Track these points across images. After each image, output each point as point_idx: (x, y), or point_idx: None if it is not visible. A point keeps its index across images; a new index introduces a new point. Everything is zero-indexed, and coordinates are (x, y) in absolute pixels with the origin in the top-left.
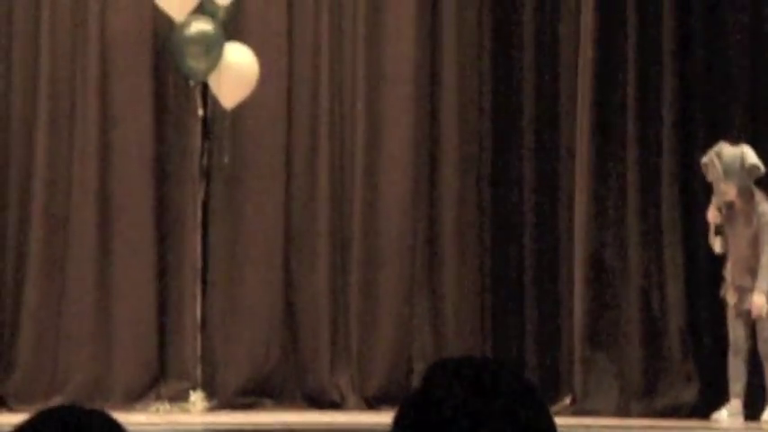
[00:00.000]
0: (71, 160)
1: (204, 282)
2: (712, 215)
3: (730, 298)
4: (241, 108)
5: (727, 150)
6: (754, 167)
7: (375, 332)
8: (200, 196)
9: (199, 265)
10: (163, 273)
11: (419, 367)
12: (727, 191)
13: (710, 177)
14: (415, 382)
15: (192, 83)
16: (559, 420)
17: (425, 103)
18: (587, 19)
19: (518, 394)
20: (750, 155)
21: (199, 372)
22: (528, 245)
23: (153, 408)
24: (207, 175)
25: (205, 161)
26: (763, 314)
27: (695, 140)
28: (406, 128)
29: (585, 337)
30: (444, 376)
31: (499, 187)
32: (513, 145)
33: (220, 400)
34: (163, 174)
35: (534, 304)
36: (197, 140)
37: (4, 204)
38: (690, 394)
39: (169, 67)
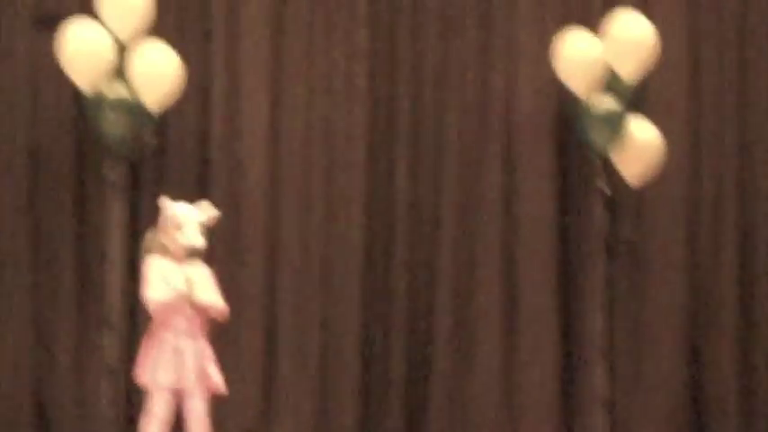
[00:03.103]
0: (476, 237)
1: (607, 356)
2: None
3: None
4: (644, 184)
5: None
6: None
7: None
8: (604, 271)
9: (602, 339)
10: (566, 344)
11: None
12: None
13: None
14: None
15: (595, 159)
16: None
17: None
18: None
19: None
20: None
21: None
22: None
23: None
24: (610, 251)
25: (608, 237)
26: None
27: None
28: None
29: None
30: None
31: None
32: None
33: None
34: (566, 248)
35: None
36: (600, 216)
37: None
38: None
39: (574, 142)
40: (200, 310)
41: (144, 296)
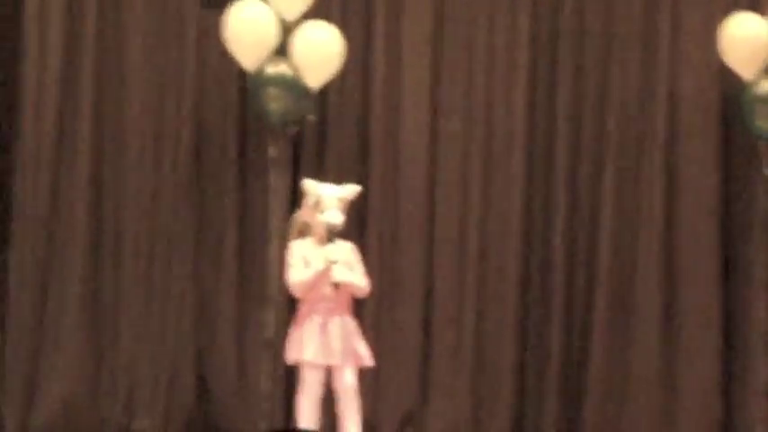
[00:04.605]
0: (636, 221)
1: None
2: None
3: None
4: None
5: None
6: None
7: None
8: (767, 258)
9: (764, 327)
10: (727, 331)
11: None
12: None
13: None
14: None
15: (759, 142)
16: None
17: None
18: None
19: None
20: None
21: None
22: None
23: None
24: None
25: None
26: None
27: None
28: None
29: None
30: None
31: None
32: None
33: None
34: (729, 234)
35: None
36: (764, 201)
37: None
38: None
39: (738, 126)
40: (341, 288)
41: (287, 279)
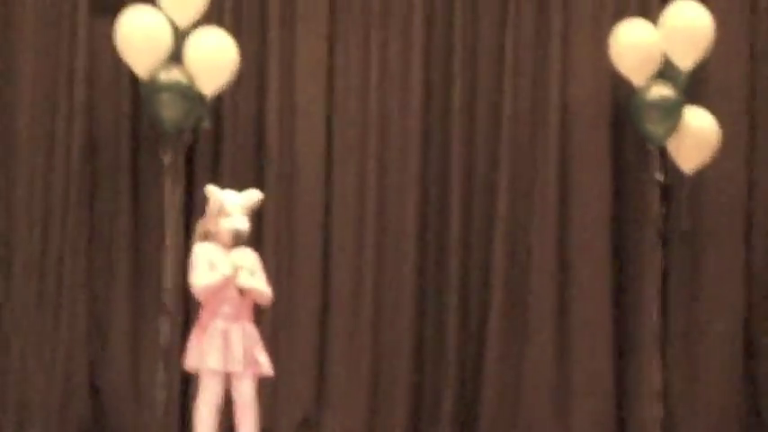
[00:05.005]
0: (530, 224)
1: (662, 348)
2: None
3: None
4: (700, 173)
5: None
6: None
7: None
8: (659, 261)
9: (656, 329)
10: (620, 334)
11: None
12: None
13: None
14: None
15: (650, 147)
16: None
17: None
18: None
19: None
20: None
21: None
22: None
23: None
24: (665, 240)
25: (663, 226)
26: None
27: None
28: None
29: None
30: None
31: None
32: None
33: None
34: (621, 237)
35: None
36: (656, 205)
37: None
38: None
39: (629, 131)
40: (245, 294)
41: (190, 282)
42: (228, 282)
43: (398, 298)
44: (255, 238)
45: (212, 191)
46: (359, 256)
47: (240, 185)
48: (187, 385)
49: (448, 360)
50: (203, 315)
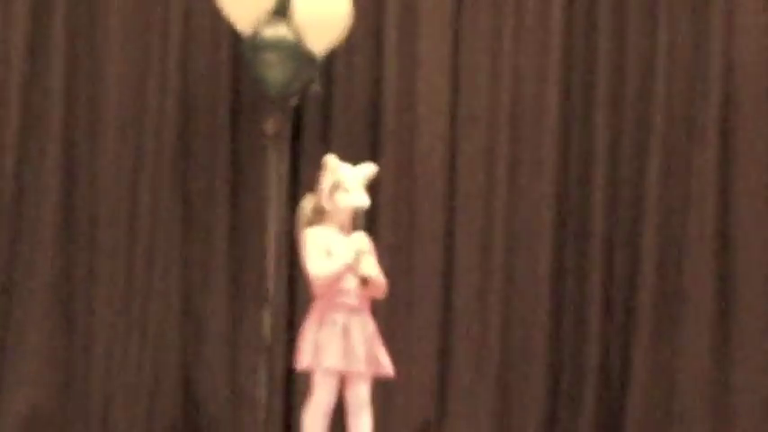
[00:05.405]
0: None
1: None
2: None
3: None
4: None
5: None
6: None
7: None
8: None
9: None
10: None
11: None
12: None
13: None
14: None
15: None
16: None
17: None
18: None
19: None
20: None
21: None
22: None
23: None
24: None
25: None
26: None
27: None
28: None
29: None
30: None
31: None
32: None
33: None
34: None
35: None
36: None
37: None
38: None
39: None
40: (367, 284)
41: (307, 271)
42: (350, 270)
43: (531, 285)
44: (368, 220)
45: (331, 162)
46: (487, 234)
47: (352, 160)
48: (291, 384)
49: (589, 363)
50: (318, 307)
